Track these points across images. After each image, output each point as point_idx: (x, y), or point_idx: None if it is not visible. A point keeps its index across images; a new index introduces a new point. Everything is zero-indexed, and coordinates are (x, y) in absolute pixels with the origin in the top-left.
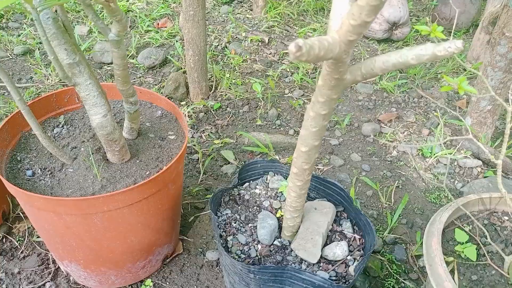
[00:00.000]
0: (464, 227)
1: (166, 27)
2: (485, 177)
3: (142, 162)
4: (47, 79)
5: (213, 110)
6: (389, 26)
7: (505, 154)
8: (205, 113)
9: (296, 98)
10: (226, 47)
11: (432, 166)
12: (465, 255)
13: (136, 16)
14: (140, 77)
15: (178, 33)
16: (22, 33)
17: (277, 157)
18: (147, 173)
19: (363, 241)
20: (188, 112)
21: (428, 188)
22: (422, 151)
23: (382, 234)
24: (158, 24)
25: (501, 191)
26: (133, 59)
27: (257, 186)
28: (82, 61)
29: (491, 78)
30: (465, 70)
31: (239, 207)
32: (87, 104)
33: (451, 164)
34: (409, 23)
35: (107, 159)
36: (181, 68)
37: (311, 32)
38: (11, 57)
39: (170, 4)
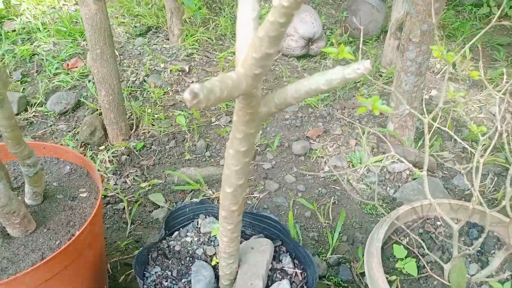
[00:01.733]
0: (402, 240)
1: (77, 67)
2: (414, 179)
3: (51, 231)
4: None
5: (137, 151)
6: (305, 42)
7: (429, 153)
8: (128, 155)
9: (224, 125)
10: (145, 81)
11: (364, 176)
12: (406, 271)
13: (43, 59)
14: (51, 125)
15: (90, 72)
16: None
17: (210, 191)
18: (57, 243)
19: (305, 275)
20: (108, 157)
21: (363, 199)
22: (352, 162)
23: (326, 256)
24: (68, 65)
25: (430, 200)
26: (42, 106)
27: (187, 234)
28: None
29: (405, 83)
30: (381, 75)
31: (170, 262)
32: None
33: (380, 171)
34: (324, 37)
35: (8, 234)
36: (97, 110)
37: (231, 56)
38: None
39: (79, 43)
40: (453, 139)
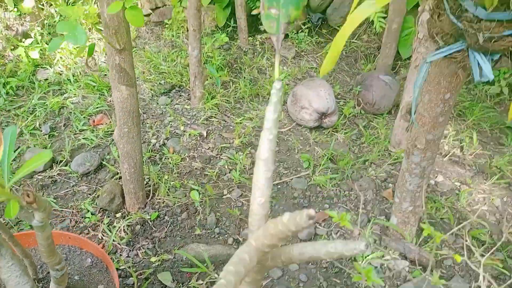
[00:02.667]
0: None
1: (102, 124)
2: (413, 277)
3: None
4: None
5: (150, 221)
6: (319, 116)
7: (429, 251)
8: (142, 225)
9: (235, 199)
10: (165, 144)
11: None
12: None
13: (71, 112)
14: (73, 186)
15: (113, 131)
16: None
17: (216, 274)
18: None
19: None
20: (124, 226)
21: None
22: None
23: None
24: (94, 121)
25: None
26: (67, 165)
27: None
28: (3, 243)
29: (409, 183)
30: (390, 154)
31: None
32: (9, 286)
33: (381, 267)
34: (337, 111)
35: None
36: (117, 173)
37: (248, 122)
38: None
39: (106, 98)
40: (454, 234)
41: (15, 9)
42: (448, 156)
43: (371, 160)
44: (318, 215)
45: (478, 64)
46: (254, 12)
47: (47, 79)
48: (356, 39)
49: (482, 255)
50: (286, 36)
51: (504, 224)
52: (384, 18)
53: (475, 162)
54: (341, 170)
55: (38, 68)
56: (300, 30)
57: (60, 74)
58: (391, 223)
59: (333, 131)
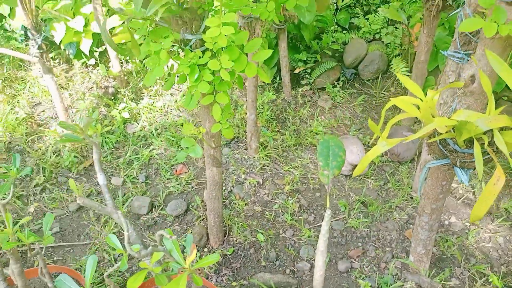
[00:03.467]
0: None
1: (183, 173)
2: None
3: None
4: (100, 235)
5: (229, 255)
6: (352, 167)
7: (438, 282)
8: (223, 258)
9: (288, 237)
10: (231, 191)
11: None
12: None
13: (158, 163)
14: (169, 225)
15: (193, 179)
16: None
17: None
18: None
19: None
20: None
21: None
22: (381, 285)
23: None
24: (176, 171)
25: None
26: (163, 209)
27: None
28: None
29: (421, 234)
30: (411, 198)
31: None
32: None
33: None
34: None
35: None
36: (200, 217)
37: (295, 169)
38: (67, 214)
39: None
40: (462, 267)
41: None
42: (461, 199)
43: (396, 204)
44: (353, 252)
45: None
46: (296, 71)
47: (134, 133)
48: (385, 91)
49: (483, 285)
50: (323, 89)
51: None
52: (408, 74)
53: None
54: (371, 213)
55: (127, 123)
56: (335, 85)
57: (144, 128)
58: (409, 261)
59: (365, 178)
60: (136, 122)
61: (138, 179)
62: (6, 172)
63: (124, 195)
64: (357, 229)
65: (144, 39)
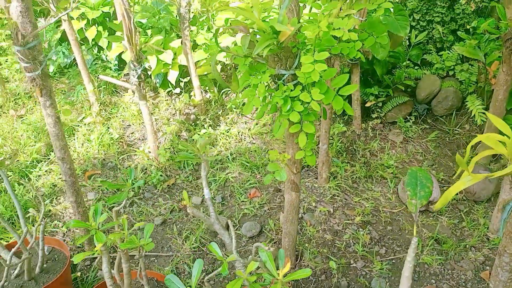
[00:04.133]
0: None
1: (256, 197)
2: None
3: None
4: (182, 248)
5: (301, 279)
6: (426, 203)
7: None
8: (295, 282)
9: (360, 268)
10: (302, 217)
11: None
12: None
13: (233, 186)
14: (244, 245)
15: (265, 202)
16: (156, 203)
17: None
18: None
19: None
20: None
21: None
22: None
23: None
24: (250, 194)
25: None
26: (238, 230)
27: None
28: None
29: (501, 275)
30: (488, 239)
31: None
32: None
33: None
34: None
35: None
36: (273, 239)
37: (365, 201)
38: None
39: (256, 175)
40: None
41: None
42: None
43: (471, 244)
44: None
45: None
46: (367, 104)
47: (212, 156)
48: (459, 128)
49: None
50: (394, 123)
51: None
52: (484, 113)
53: None
54: (445, 251)
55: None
56: (408, 119)
57: (220, 152)
58: None
59: (438, 215)
60: (213, 146)
61: (215, 200)
62: (123, 184)
63: (203, 212)
64: (431, 266)
65: (242, 73)
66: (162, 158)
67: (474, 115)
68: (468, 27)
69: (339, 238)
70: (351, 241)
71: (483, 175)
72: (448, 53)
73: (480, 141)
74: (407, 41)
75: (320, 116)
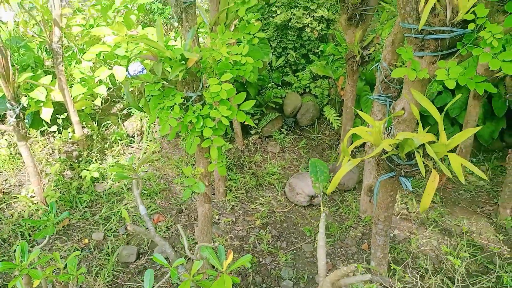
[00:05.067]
0: None
1: (160, 221)
2: None
3: None
4: (95, 285)
5: None
6: (309, 198)
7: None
8: None
9: (269, 263)
10: None
11: None
12: None
13: (135, 215)
14: (159, 269)
15: (172, 226)
16: (54, 247)
17: None
18: None
19: None
20: None
21: None
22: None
23: None
24: (154, 219)
25: None
26: (150, 255)
27: None
28: None
29: (378, 240)
30: (361, 219)
31: None
32: None
33: None
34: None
35: None
36: (186, 256)
37: (260, 206)
38: (56, 271)
39: (156, 201)
40: (410, 266)
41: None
42: (399, 215)
43: (349, 225)
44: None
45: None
46: (246, 123)
47: (105, 191)
48: (321, 134)
49: (429, 278)
50: (270, 136)
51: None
52: (338, 119)
53: (417, 217)
54: (332, 234)
55: (95, 183)
56: (280, 132)
57: (113, 185)
58: (371, 266)
59: (320, 207)
60: (104, 180)
61: (118, 232)
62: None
63: (108, 248)
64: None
65: (150, 100)
66: (50, 200)
67: (331, 122)
68: (316, 50)
69: (246, 242)
70: (256, 242)
71: (360, 159)
72: (303, 74)
73: (339, 142)
74: (269, 65)
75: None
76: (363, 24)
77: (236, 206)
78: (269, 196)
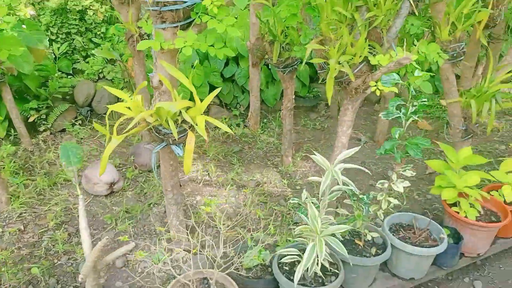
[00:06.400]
0: None
1: None
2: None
3: None
4: None
5: None
6: (109, 185)
7: None
8: None
9: (65, 262)
10: None
11: None
12: None
13: None
14: None
15: None
16: None
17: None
18: None
19: None
20: None
21: None
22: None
23: None
24: None
25: None
26: None
27: None
28: None
29: (171, 209)
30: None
31: None
32: None
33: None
34: (121, 178)
35: None
36: None
37: (55, 206)
38: None
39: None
40: (211, 226)
41: None
42: (202, 182)
43: (154, 202)
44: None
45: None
46: (31, 119)
47: None
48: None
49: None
50: (64, 130)
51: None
52: None
53: (218, 181)
54: (134, 216)
55: None
56: (74, 124)
57: None
58: (171, 235)
59: (123, 192)
60: None
61: None
62: None
63: None
64: (126, 231)
65: None
66: None
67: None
68: (98, 33)
69: (37, 247)
70: (50, 245)
71: (124, 135)
72: (93, 59)
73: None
74: (53, 54)
75: None
76: (136, 2)
77: (25, 213)
78: (66, 194)
